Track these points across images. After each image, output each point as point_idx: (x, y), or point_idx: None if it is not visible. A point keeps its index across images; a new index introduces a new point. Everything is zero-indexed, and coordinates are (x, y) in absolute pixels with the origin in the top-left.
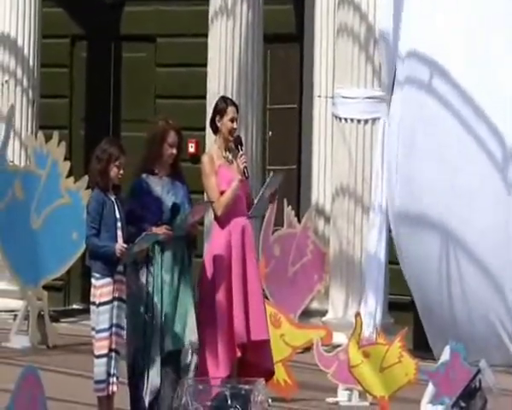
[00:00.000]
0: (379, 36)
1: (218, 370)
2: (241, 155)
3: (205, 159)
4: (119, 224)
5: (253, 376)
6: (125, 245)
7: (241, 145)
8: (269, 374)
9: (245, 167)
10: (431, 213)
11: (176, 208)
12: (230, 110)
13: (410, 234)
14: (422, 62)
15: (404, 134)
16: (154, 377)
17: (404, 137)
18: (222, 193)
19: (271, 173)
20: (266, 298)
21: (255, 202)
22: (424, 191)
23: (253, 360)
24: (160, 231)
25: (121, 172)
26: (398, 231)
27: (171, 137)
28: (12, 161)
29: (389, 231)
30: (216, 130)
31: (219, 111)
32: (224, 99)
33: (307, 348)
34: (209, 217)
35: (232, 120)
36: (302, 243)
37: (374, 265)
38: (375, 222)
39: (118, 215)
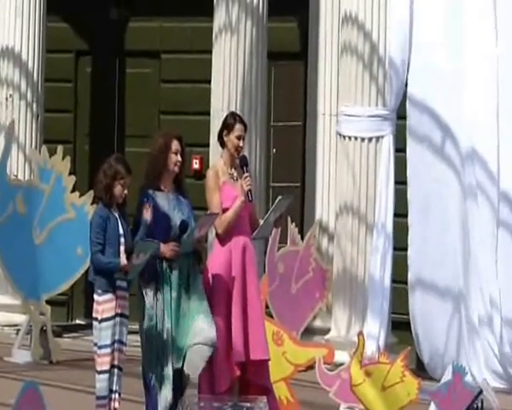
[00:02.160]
0: (388, 63)
1: (213, 386)
2: (245, 177)
3: (210, 174)
4: (122, 239)
5: (249, 393)
6: (126, 261)
7: (247, 166)
8: (265, 392)
9: (249, 190)
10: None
11: (184, 225)
12: (238, 128)
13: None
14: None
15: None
16: (166, 393)
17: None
18: (225, 210)
19: (279, 197)
20: (270, 316)
21: (260, 224)
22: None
23: (251, 378)
24: (168, 249)
25: (125, 191)
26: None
27: (174, 144)
28: (16, 175)
29: (394, 249)
30: (223, 144)
31: (227, 126)
32: (233, 115)
33: (310, 367)
34: (212, 234)
35: (239, 138)
36: (305, 260)
37: (378, 289)
38: (378, 245)
39: (121, 231)
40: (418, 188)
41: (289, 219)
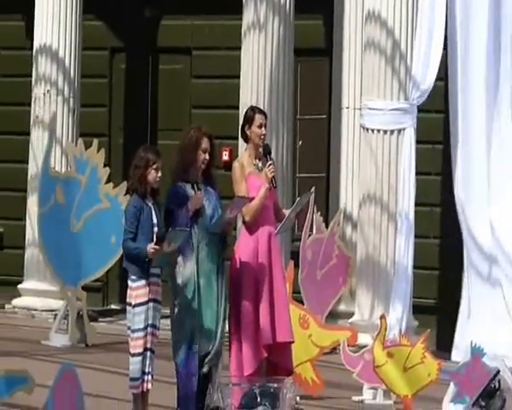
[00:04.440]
0: (412, 83)
1: (242, 368)
2: (269, 165)
3: (235, 166)
4: (155, 229)
5: (274, 374)
6: (157, 246)
7: (270, 154)
8: (288, 373)
9: (273, 177)
10: None
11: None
12: (258, 117)
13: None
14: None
15: None
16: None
17: None
18: (251, 199)
19: (298, 198)
20: (301, 302)
21: (282, 221)
22: None
23: (275, 360)
24: (197, 199)
25: (159, 174)
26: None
27: (204, 142)
28: (54, 168)
29: (417, 237)
30: (246, 138)
31: (248, 120)
32: (252, 108)
33: (334, 349)
34: (240, 222)
35: (260, 126)
36: (329, 247)
37: (402, 274)
38: (402, 230)
39: (155, 220)
40: None
41: (315, 208)
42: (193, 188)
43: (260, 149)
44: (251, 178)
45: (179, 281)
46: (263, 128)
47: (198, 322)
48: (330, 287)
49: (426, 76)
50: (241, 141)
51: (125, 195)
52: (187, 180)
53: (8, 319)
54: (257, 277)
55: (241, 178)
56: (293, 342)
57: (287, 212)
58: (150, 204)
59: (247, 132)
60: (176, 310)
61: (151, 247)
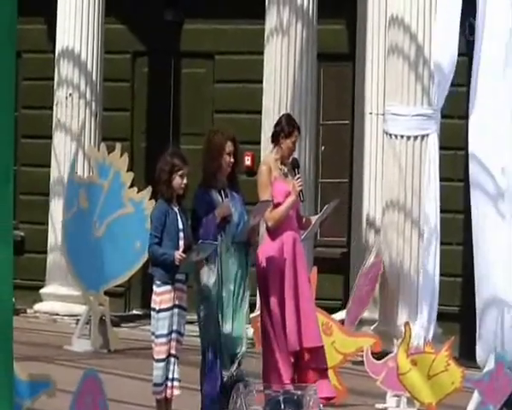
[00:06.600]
0: (434, 67)
1: (281, 376)
2: (297, 178)
3: (262, 169)
4: (181, 233)
5: (307, 377)
6: (183, 254)
7: (298, 168)
8: (322, 374)
9: (301, 191)
10: None
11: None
12: (295, 134)
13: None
14: None
15: None
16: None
17: None
18: (277, 205)
19: (326, 206)
20: (325, 309)
21: (309, 228)
22: None
23: (307, 364)
24: (225, 208)
25: (184, 181)
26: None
27: (228, 146)
28: (77, 172)
29: (440, 244)
30: (276, 143)
31: (284, 130)
32: (292, 122)
33: (361, 351)
34: (263, 227)
35: (294, 143)
36: (375, 270)
37: (429, 282)
38: (425, 238)
39: (180, 225)
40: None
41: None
42: (219, 194)
43: (287, 161)
44: (277, 184)
45: (205, 288)
46: (295, 145)
47: (223, 328)
48: (365, 296)
49: (444, 79)
50: (263, 146)
51: (150, 199)
52: (214, 186)
53: (30, 323)
54: (282, 283)
55: (267, 182)
56: (322, 345)
57: (313, 218)
58: (176, 209)
59: (281, 140)
60: (201, 316)
61: (179, 254)
